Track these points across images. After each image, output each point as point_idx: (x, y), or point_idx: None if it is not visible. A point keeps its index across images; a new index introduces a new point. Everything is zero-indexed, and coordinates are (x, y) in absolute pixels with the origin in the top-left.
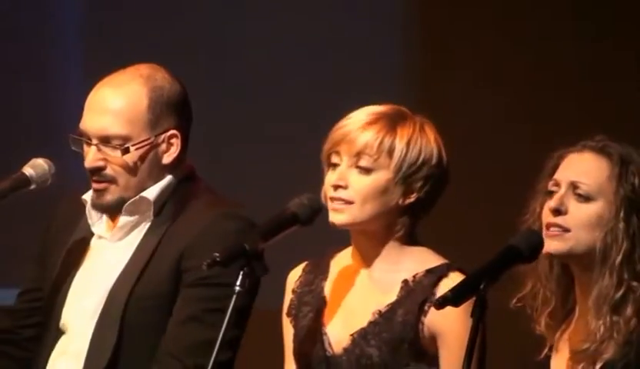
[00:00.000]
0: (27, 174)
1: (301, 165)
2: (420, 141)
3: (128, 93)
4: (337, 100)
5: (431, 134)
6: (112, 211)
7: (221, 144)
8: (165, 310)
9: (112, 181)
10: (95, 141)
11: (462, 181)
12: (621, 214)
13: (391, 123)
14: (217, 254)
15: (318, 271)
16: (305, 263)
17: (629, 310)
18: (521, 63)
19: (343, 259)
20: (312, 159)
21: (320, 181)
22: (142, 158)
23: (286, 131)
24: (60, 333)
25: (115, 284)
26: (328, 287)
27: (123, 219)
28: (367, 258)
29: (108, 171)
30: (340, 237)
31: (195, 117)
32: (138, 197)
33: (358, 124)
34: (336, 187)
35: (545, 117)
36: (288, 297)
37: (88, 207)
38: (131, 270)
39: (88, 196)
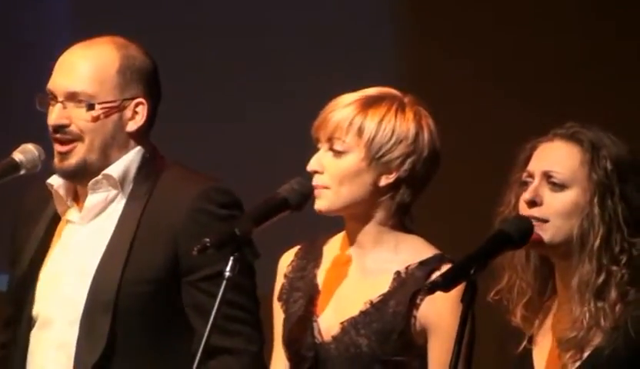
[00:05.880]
0: (16, 159)
1: (289, 148)
2: (394, 120)
3: (100, 54)
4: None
5: (410, 113)
6: (76, 178)
7: (204, 126)
8: (162, 297)
9: (77, 138)
10: (60, 99)
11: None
12: (596, 200)
13: (366, 104)
14: (207, 240)
15: (310, 257)
16: (298, 247)
17: (613, 295)
18: (513, 39)
19: (335, 244)
20: (299, 140)
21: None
22: (107, 119)
23: (268, 109)
24: (33, 323)
25: (98, 269)
26: (320, 274)
27: (90, 198)
28: (358, 245)
29: (73, 128)
30: (333, 221)
31: (175, 99)
32: (101, 175)
33: (334, 108)
34: (313, 172)
35: (539, 96)
36: (280, 281)
37: (55, 189)
38: (115, 253)
39: (53, 180)
